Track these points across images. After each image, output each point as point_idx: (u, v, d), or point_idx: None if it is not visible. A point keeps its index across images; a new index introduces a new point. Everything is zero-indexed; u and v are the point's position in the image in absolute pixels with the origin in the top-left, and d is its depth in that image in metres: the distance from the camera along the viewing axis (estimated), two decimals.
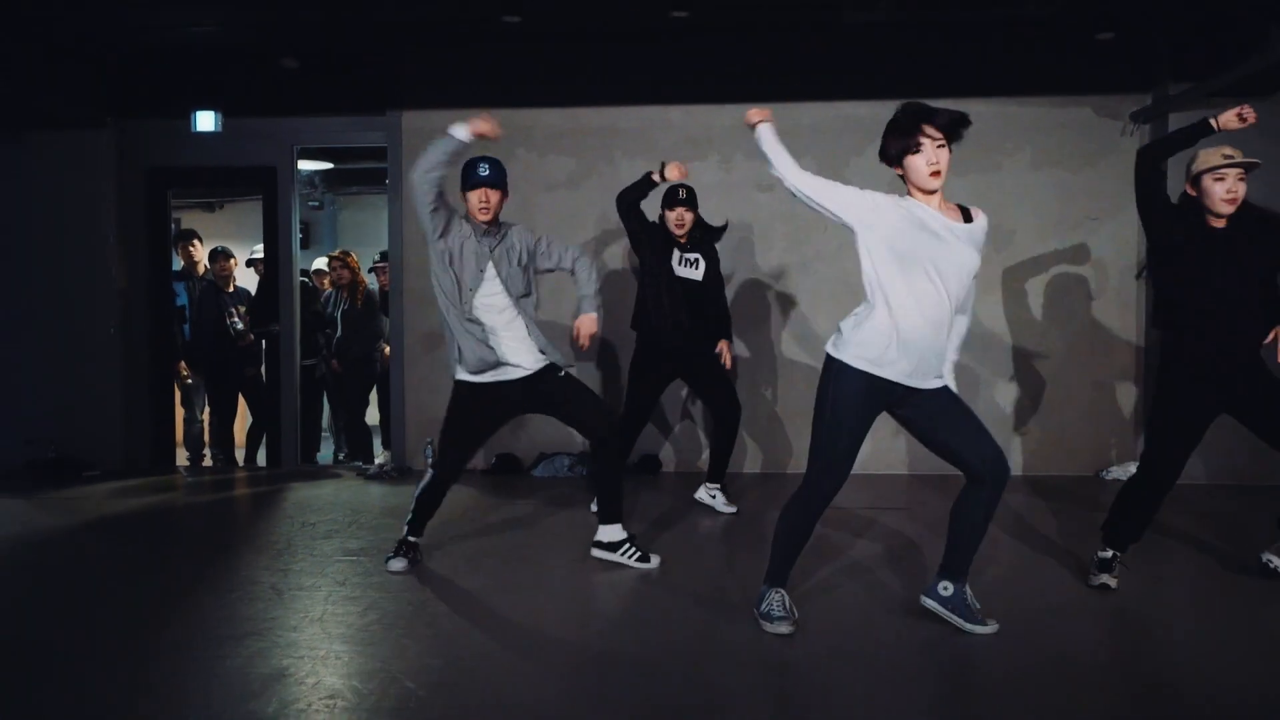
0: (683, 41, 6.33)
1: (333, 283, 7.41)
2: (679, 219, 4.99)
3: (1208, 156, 3.50)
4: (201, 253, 7.50)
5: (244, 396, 7.29)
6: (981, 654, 3.16)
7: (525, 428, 6.43)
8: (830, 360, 3.20)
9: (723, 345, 5.14)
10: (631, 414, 5.10)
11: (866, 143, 6.37)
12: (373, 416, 7.71)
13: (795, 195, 3.20)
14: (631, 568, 4.07)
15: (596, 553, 4.16)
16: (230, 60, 6.66)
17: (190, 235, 7.58)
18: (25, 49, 6.05)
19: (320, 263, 7.73)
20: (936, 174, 3.02)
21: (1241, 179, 3.48)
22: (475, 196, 4.01)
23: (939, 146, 3.01)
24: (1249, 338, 3.55)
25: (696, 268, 5.07)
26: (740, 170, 6.52)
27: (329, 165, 9.02)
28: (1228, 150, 3.49)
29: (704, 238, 5.15)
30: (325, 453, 7.89)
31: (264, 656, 3.09)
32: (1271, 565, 3.86)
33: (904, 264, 3.04)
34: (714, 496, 5.29)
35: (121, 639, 3.33)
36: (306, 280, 7.49)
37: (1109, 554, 3.75)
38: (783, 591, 3.30)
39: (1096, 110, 6.31)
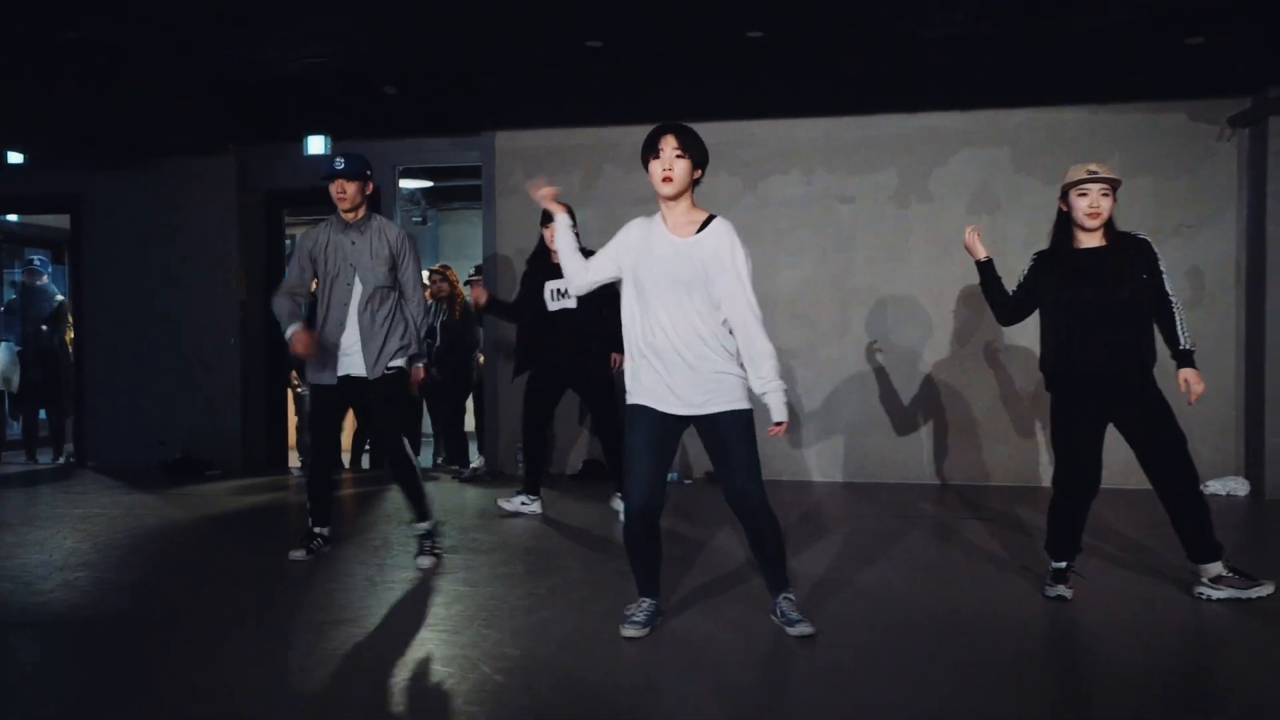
0: (763, 57, 6.47)
1: (433, 295, 7.78)
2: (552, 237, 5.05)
3: (1074, 171, 3.61)
4: None
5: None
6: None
7: None
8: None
9: (615, 357, 5.23)
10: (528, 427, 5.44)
11: (949, 154, 6.48)
12: (469, 423, 8.06)
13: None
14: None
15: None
16: (339, 88, 7.13)
17: None
18: (157, 83, 6.62)
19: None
20: (669, 179, 3.17)
21: (1106, 194, 3.55)
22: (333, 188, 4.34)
23: (678, 156, 3.17)
24: (1117, 354, 3.57)
25: (569, 296, 5.09)
26: (822, 182, 6.61)
27: (429, 184, 9.47)
28: (1093, 165, 3.59)
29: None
30: (425, 457, 8.28)
31: (358, 641, 3.37)
32: (1204, 596, 3.71)
33: (639, 291, 3.24)
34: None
35: (231, 621, 3.67)
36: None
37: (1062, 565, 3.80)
38: (649, 601, 3.45)
39: (1191, 115, 6.16)
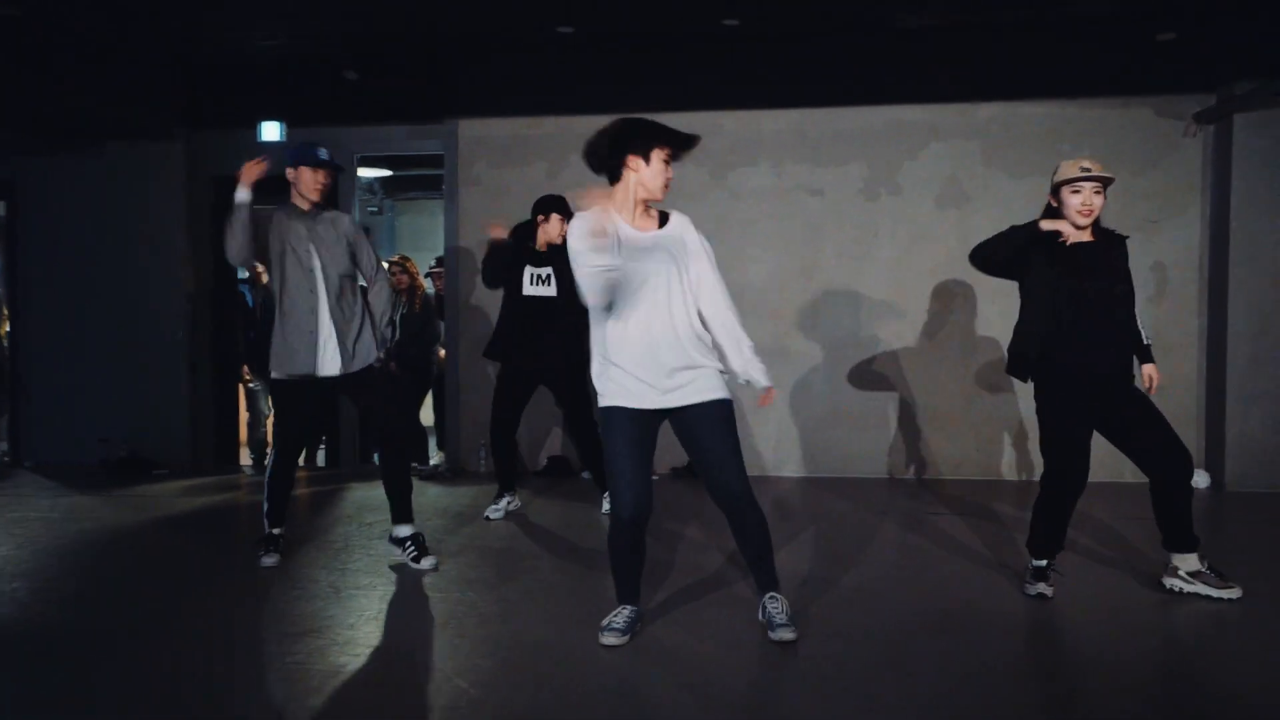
0: (733, 47, 6.36)
1: (392, 287, 7.55)
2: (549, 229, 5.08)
3: (1067, 168, 3.56)
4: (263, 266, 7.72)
5: None
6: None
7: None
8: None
9: None
10: (497, 423, 5.21)
11: (918, 147, 6.43)
12: (427, 418, 7.85)
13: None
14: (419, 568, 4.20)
15: (393, 548, 4.33)
16: (295, 72, 6.86)
17: None
18: (104, 63, 6.30)
19: None
20: (668, 186, 3.16)
21: (1098, 192, 3.53)
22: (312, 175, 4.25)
23: (669, 162, 3.16)
24: (1121, 350, 3.59)
25: (549, 284, 5.09)
26: (791, 175, 6.53)
27: (388, 173, 9.21)
28: (1086, 163, 3.55)
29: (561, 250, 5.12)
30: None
31: (322, 654, 3.20)
32: (1176, 589, 3.73)
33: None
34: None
35: (187, 634, 3.47)
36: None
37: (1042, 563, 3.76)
38: (630, 608, 3.34)
39: (1158, 111, 6.19)
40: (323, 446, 7.60)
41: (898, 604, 3.71)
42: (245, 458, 7.62)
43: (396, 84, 6.82)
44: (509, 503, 5.30)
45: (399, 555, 4.28)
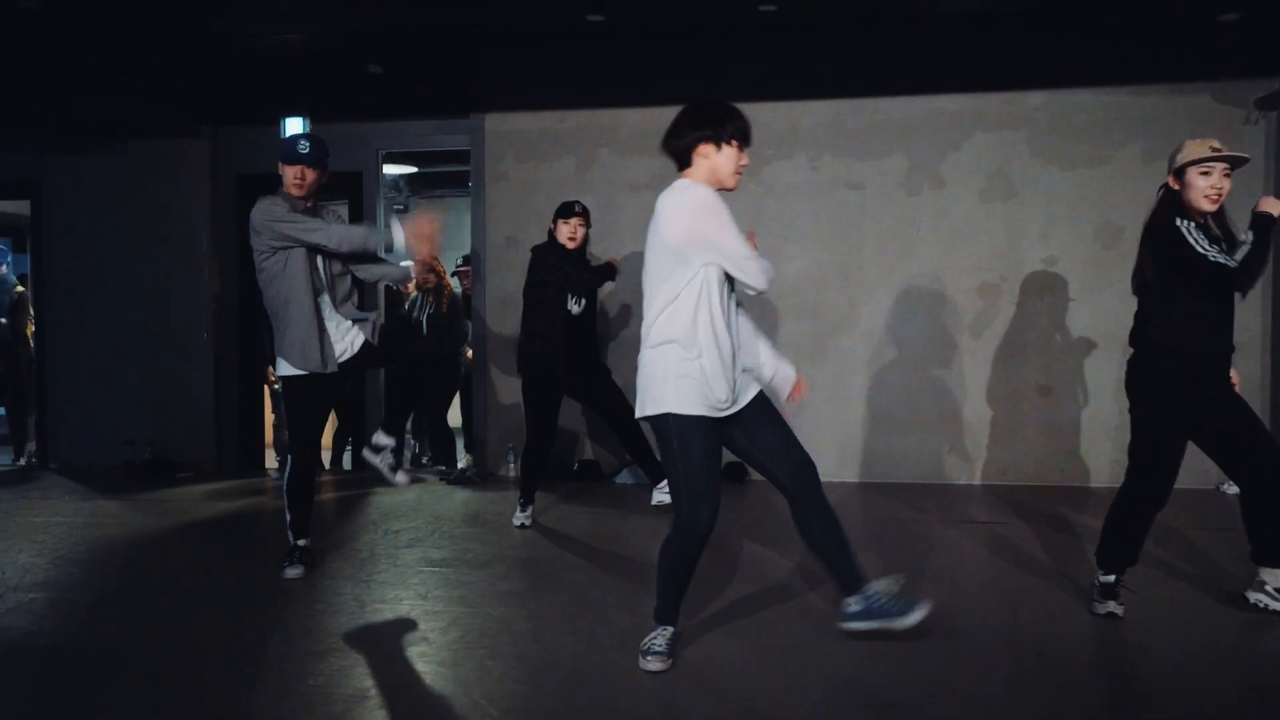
0: (769, 36, 6.14)
1: (418, 286, 7.41)
2: (572, 232, 4.91)
3: (1195, 147, 3.32)
4: None
5: None
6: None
7: (610, 434, 6.32)
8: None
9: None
10: (534, 437, 5.03)
11: (962, 138, 6.18)
12: (454, 419, 7.70)
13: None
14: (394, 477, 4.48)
15: (365, 453, 4.49)
16: (320, 68, 6.72)
17: None
18: (125, 59, 6.19)
19: None
20: (740, 173, 3.02)
21: (1227, 175, 3.30)
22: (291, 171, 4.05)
23: (739, 149, 3.01)
24: (1229, 351, 3.39)
25: (579, 301, 5.01)
26: (829, 169, 6.30)
27: (414, 169, 9.07)
28: (1215, 143, 3.31)
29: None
30: (406, 455, 7.92)
31: (346, 676, 3.04)
32: (1262, 605, 3.49)
33: (722, 282, 2.99)
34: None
35: (207, 652, 3.33)
36: (391, 284, 7.51)
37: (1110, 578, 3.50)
38: (671, 629, 3.11)
39: (1216, 97, 5.89)
40: (349, 448, 7.47)
41: (954, 623, 3.48)
42: (270, 460, 7.52)
43: (422, 77, 6.66)
44: (531, 510, 5.13)
45: (375, 462, 4.41)
